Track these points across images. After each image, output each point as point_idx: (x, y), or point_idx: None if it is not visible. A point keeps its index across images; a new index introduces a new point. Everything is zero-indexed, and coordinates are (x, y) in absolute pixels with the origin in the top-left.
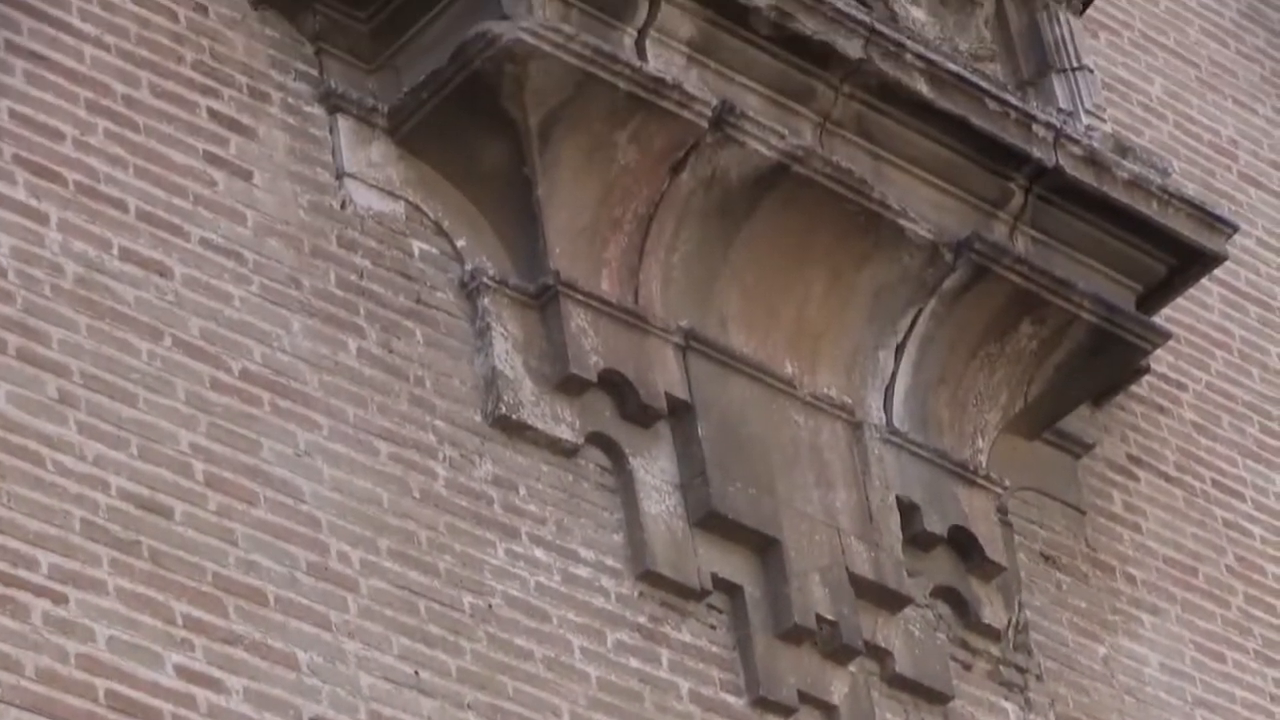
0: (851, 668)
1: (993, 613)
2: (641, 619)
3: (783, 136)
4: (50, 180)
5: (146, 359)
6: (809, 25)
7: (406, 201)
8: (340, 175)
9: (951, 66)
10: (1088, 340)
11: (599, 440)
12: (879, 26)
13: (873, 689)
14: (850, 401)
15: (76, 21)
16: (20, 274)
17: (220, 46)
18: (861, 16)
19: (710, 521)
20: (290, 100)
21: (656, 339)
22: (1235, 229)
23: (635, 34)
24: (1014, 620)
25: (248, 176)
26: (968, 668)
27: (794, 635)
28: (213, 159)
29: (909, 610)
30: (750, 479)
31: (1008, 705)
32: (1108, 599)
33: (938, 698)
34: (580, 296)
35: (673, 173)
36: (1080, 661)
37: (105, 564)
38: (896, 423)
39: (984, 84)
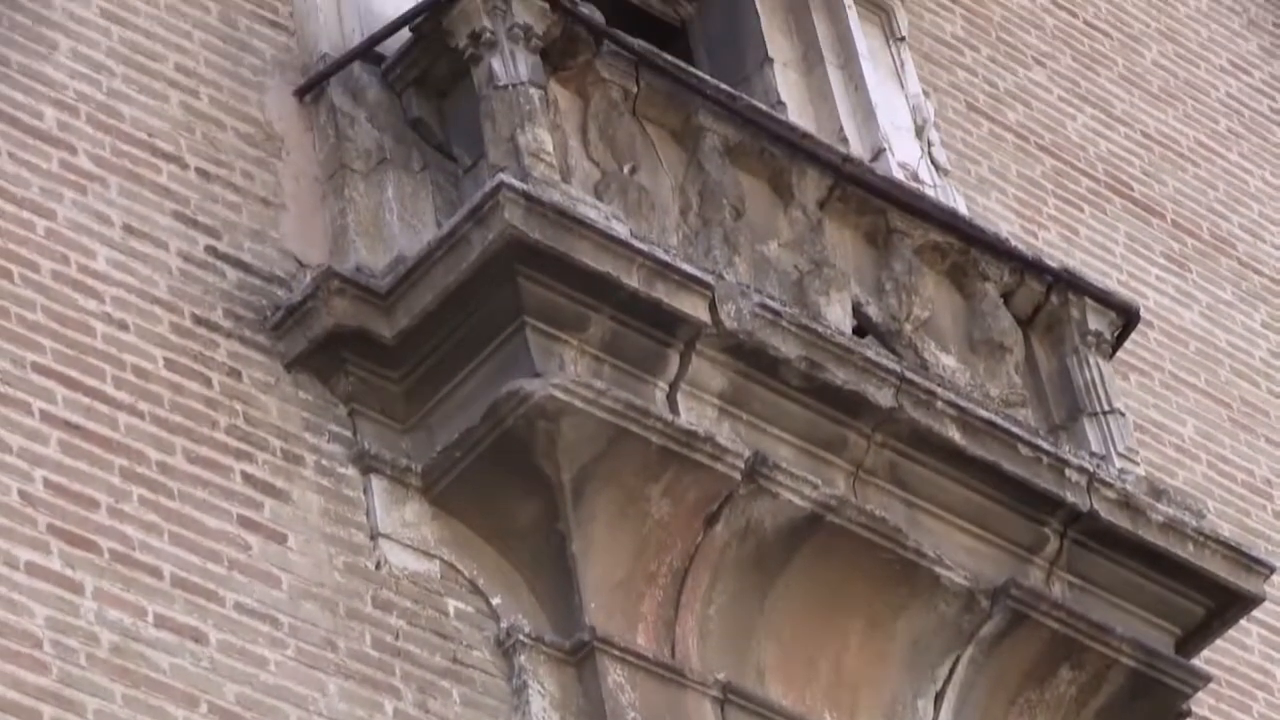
0: None
1: None
2: None
3: (816, 486)
4: (85, 549)
5: None
6: (839, 375)
7: (441, 560)
8: (375, 536)
9: (983, 413)
10: (1128, 685)
11: None
12: (909, 375)
13: None
14: None
15: (110, 389)
16: (55, 644)
17: (254, 410)
18: (892, 365)
19: None
20: (324, 462)
21: (694, 693)
22: (1273, 569)
23: (667, 388)
24: None
25: (282, 540)
26: None
27: None
28: (247, 523)
29: None
30: None
31: None
32: None
33: None
34: (617, 652)
35: (707, 525)
36: None
37: None
38: None
39: (1016, 430)
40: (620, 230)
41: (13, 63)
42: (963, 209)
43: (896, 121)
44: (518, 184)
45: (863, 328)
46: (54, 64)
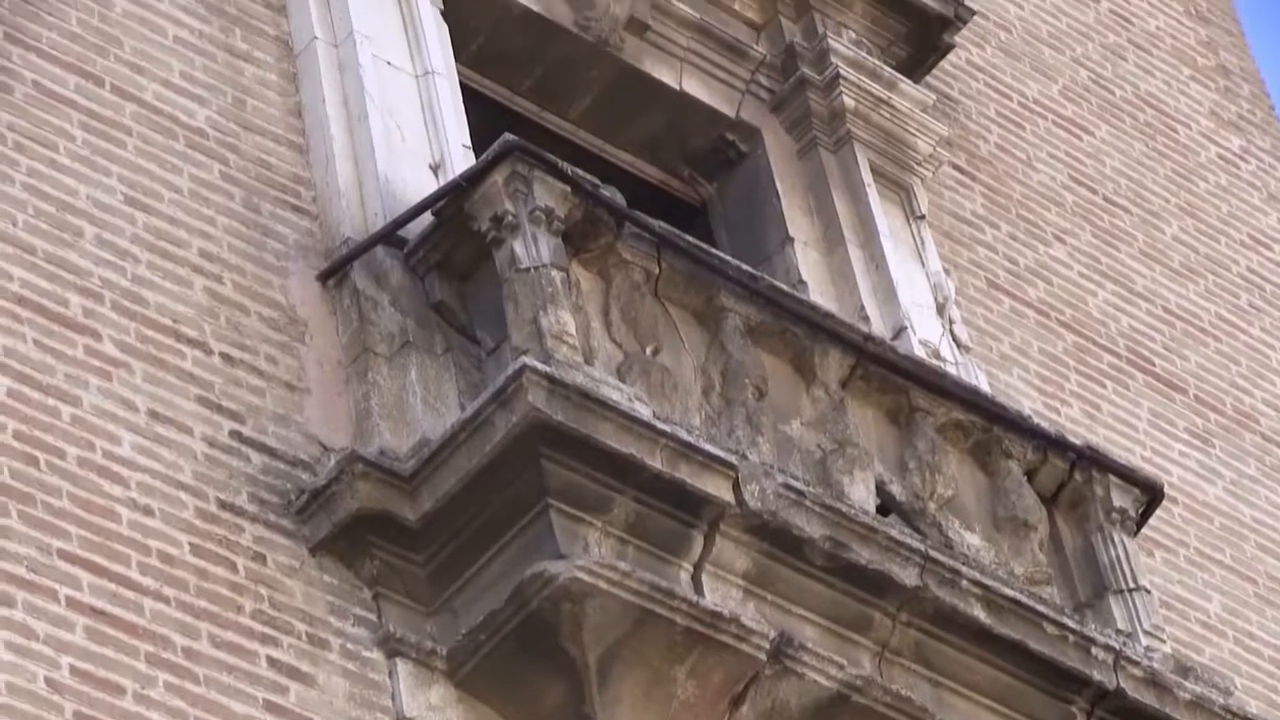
0: None
1: None
2: None
3: (842, 667)
4: None
5: None
6: (864, 555)
7: None
8: (400, 719)
9: (1008, 591)
10: None
11: None
12: (934, 554)
13: None
14: None
15: (136, 575)
16: None
17: (279, 595)
18: (916, 544)
19: None
20: (349, 646)
21: None
22: None
23: (691, 569)
24: None
25: None
26: None
27: None
28: (273, 708)
29: None
30: None
31: None
32: None
33: None
34: None
35: (733, 706)
36: None
37: None
38: None
39: (1041, 608)
40: (643, 411)
41: (39, 250)
42: (985, 386)
43: (918, 299)
44: (541, 366)
45: (886, 507)
46: (79, 251)
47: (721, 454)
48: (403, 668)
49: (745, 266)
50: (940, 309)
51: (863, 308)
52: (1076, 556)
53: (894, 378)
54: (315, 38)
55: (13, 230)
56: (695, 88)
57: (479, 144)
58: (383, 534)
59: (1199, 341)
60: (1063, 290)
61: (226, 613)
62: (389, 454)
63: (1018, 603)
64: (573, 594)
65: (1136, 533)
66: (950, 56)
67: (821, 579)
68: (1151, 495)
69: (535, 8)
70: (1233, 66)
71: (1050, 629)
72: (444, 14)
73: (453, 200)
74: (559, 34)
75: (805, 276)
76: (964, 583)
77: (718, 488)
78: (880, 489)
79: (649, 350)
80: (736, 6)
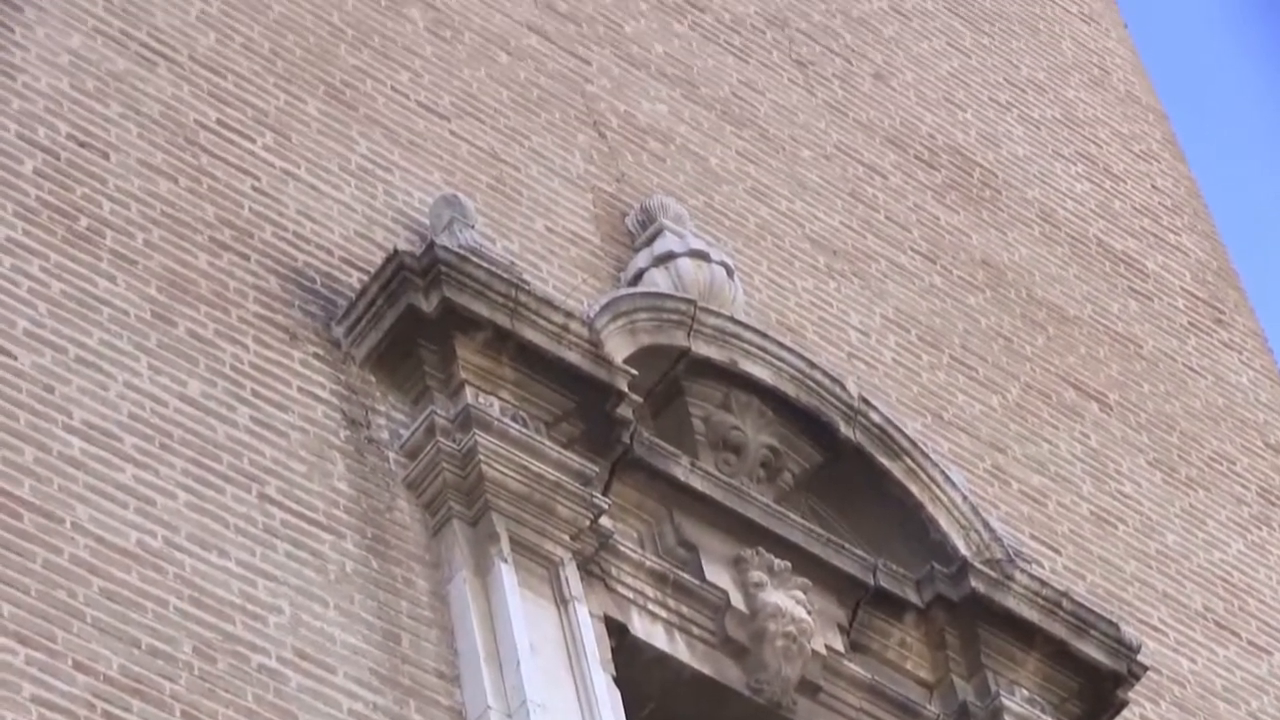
0: None
1: None
2: None
3: None
4: None
5: None
6: None
7: None
8: None
9: None
10: None
11: None
12: None
13: None
14: None
15: None
16: None
17: None
18: None
19: None
20: None
21: None
22: None
23: None
24: None
25: None
26: None
27: None
28: None
29: None
30: None
31: None
32: None
33: None
34: None
35: None
36: None
37: None
38: None
39: None
40: None
41: None
42: None
43: None
44: None
45: None
46: None
47: None
48: None
49: None
50: None
51: None
52: None
53: None
54: (489, 707)
55: None
56: None
57: None
58: None
59: None
60: None
61: None
62: None
63: None
64: None
65: None
66: (1124, 712)
67: None
68: None
69: (707, 671)
70: None
71: None
72: (616, 680)
73: None
74: (731, 697)
75: None
76: None
77: None
78: None
79: None
80: (908, 666)
